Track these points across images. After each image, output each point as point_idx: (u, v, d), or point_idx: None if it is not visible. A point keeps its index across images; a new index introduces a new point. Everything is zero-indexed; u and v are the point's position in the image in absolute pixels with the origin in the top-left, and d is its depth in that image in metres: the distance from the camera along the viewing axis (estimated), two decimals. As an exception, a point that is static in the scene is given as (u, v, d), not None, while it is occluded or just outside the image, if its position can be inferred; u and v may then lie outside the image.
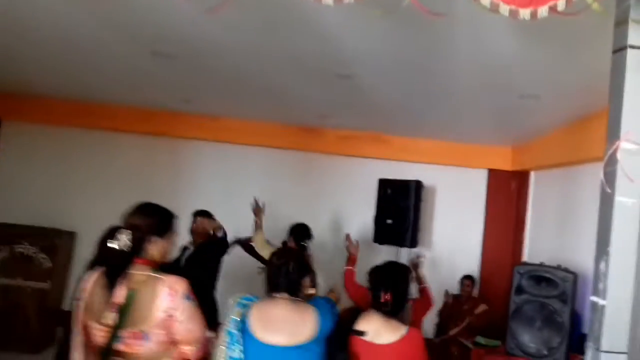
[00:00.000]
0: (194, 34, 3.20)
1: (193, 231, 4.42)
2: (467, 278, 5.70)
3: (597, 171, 4.44)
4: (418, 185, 5.71)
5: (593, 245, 4.29)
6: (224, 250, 4.45)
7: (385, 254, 5.77)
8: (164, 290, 2.05)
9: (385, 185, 5.83)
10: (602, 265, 2.38)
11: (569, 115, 4.53)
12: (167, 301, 2.04)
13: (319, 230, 6.03)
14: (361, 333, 2.40)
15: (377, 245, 5.89)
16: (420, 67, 3.47)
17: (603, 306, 2.27)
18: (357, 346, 2.40)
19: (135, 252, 2.09)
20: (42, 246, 5.64)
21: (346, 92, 4.40)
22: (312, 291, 2.59)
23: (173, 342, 2.09)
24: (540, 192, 5.92)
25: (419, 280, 3.60)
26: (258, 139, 6.11)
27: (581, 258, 4.54)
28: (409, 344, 2.38)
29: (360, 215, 6.16)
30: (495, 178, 6.41)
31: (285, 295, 2.37)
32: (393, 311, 2.46)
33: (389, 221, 5.68)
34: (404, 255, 5.78)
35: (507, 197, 6.35)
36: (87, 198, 6.05)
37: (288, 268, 2.42)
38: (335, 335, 2.39)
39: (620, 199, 2.19)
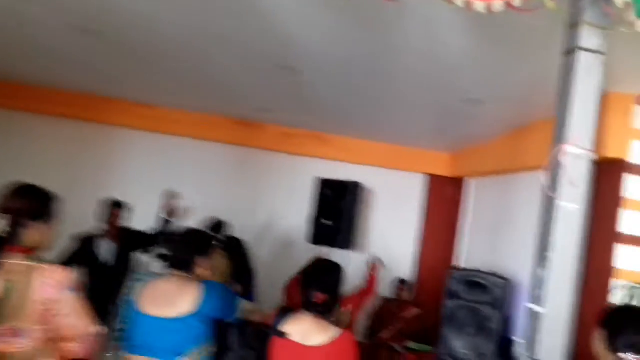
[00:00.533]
0: (125, 10, 2.94)
1: (110, 222, 4.23)
2: (401, 282, 5.67)
3: (532, 180, 4.51)
4: (357, 186, 5.63)
5: (526, 252, 4.35)
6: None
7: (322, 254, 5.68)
8: (43, 281, 1.84)
9: (324, 185, 5.70)
10: (539, 272, 2.34)
11: (508, 124, 4.58)
12: (47, 293, 1.84)
13: (255, 227, 5.87)
14: (282, 334, 2.25)
15: (312, 246, 5.76)
16: (366, 64, 3.37)
17: (540, 314, 2.23)
18: (281, 348, 2.25)
19: (11, 238, 1.87)
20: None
21: (287, 86, 4.25)
22: (206, 273, 2.52)
23: (54, 339, 1.87)
24: (478, 199, 5.99)
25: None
26: (195, 131, 5.83)
27: (514, 264, 4.60)
28: (340, 347, 2.25)
29: (296, 215, 6.01)
30: (433, 183, 6.44)
31: (177, 272, 2.43)
32: (325, 312, 2.33)
33: (326, 222, 5.56)
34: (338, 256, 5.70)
35: (444, 202, 6.40)
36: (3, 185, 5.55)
37: (182, 245, 2.50)
38: (241, 328, 2.28)
39: (563, 204, 2.15)
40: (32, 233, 1.92)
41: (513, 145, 4.73)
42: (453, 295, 3.91)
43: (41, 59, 4.50)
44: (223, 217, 5.84)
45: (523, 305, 4.35)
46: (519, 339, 4.41)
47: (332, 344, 2.22)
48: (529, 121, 4.33)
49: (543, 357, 2.19)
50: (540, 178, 2.08)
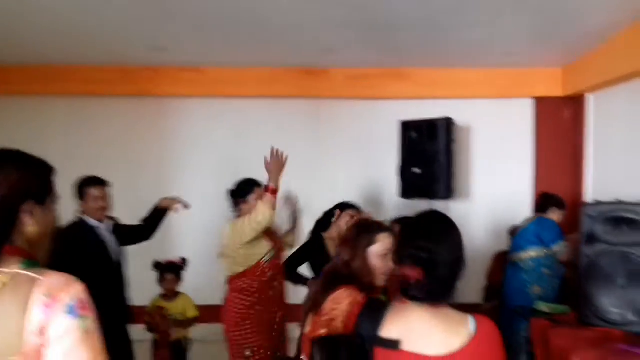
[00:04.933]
0: None
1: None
2: (517, 229, 4.71)
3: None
4: (448, 123, 4.70)
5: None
6: None
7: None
8: (38, 299, 1.16)
9: (408, 128, 4.84)
10: None
11: (634, 8, 3.43)
12: (41, 316, 1.15)
13: (337, 188, 5.14)
14: (393, 344, 1.40)
15: (406, 201, 4.95)
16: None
17: None
18: None
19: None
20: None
21: (343, 7, 3.45)
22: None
23: None
24: (601, 118, 4.82)
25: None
26: (253, 88, 5.16)
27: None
28: (483, 348, 1.36)
29: (384, 167, 5.19)
30: (544, 108, 5.33)
31: None
32: (434, 296, 1.41)
33: (417, 170, 4.71)
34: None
35: (560, 128, 5.28)
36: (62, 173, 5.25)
37: None
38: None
39: None
40: (34, 222, 1.27)
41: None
42: (592, 238, 2.93)
43: (70, 34, 4.09)
44: (300, 179, 5.21)
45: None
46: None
47: (474, 344, 1.35)
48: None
49: None
50: None
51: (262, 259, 3.21)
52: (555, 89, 5.17)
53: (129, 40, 4.31)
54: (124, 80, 5.14)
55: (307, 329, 1.92)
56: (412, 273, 1.41)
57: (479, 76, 5.17)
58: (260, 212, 3.03)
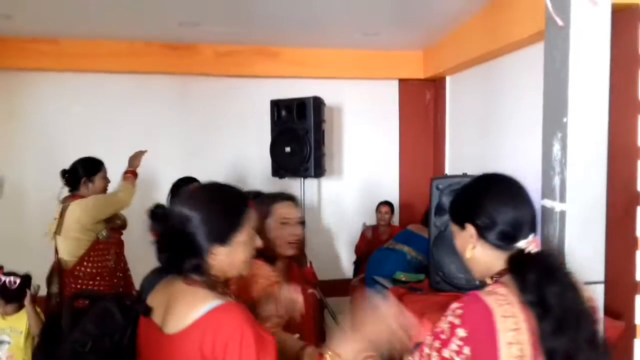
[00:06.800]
0: None
1: None
2: (384, 204, 4.94)
3: (520, 58, 3.64)
4: (317, 102, 4.77)
5: (524, 143, 3.52)
6: None
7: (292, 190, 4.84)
8: None
9: (278, 107, 4.84)
10: (555, 148, 1.54)
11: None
12: None
13: (209, 171, 5.02)
14: (146, 311, 1.32)
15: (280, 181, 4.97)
16: None
17: (562, 213, 1.45)
18: (143, 333, 1.36)
19: None
20: None
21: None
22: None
23: None
24: (457, 98, 5.16)
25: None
26: (114, 63, 4.82)
27: (511, 163, 3.85)
28: (195, 338, 1.21)
29: (257, 147, 5.15)
30: (408, 89, 5.59)
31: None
32: (161, 260, 1.35)
33: (287, 149, 4.74)
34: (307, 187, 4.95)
35: (422, 109, 5.57)
36: None
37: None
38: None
39: (579, 34, 1.33)
40: None
41: (492, 21, 3.87)
42: (440, 209, 3.13)
43: None
44: (170, 160, 5.02)
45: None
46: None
47: (189, 331, 1.22)
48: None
49: (576, 268, 1.41)
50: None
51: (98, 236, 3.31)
52: (418, 71, 5.43)
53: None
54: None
55: None
56: (152, 229, 1.35)
57: (348, 57, 5.28)
58: (124, 190, 3.37)
